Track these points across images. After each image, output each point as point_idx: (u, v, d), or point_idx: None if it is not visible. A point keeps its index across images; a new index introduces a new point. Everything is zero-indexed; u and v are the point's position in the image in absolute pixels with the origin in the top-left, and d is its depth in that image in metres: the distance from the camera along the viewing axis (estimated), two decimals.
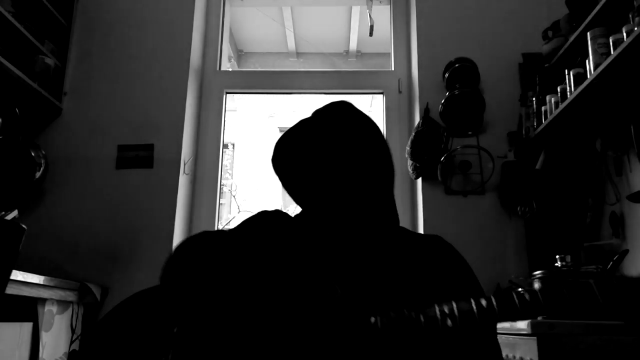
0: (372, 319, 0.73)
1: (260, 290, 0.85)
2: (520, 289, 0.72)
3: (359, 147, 0.92)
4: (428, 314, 0.71)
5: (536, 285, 1.76)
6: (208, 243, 0.97)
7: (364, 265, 0.88)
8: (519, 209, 2.26)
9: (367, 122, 0.97)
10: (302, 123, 0.99)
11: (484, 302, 0.71)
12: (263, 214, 1.00)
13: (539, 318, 1.41)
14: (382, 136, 0.99)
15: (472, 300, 0.71)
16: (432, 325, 0.70)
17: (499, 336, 1.48)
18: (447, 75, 2.38)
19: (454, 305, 0.71)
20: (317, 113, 1.01)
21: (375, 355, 0.74)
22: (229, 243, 0.95)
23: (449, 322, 0.70)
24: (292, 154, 0.96)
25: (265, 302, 0.83)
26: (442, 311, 0.71)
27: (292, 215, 1.01)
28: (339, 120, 0.95)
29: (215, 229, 2.56)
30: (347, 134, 0.93)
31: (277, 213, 1.00)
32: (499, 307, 0.70)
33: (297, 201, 1.00)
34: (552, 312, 0.69)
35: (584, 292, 0.68)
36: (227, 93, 2.77)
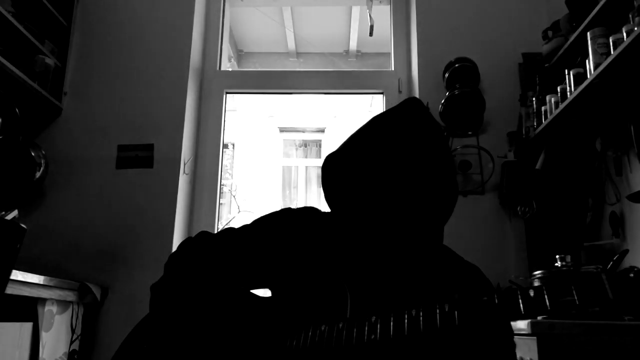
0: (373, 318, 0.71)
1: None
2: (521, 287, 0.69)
3: (427, 166, 0.85)
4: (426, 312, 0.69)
5: (536, 285, 1.76)
6: (212, 243, 0.96)
7: (386, 276, 0.85)
8: (519, 209, 2.26)
9: (438, 137, 0.89)
10: (371, 126, 0.91)
11: (485, 299, 0.68)
12: (288, 212, 0.97)
13: (539, 318, 1.41)
14: (450, 156, 0.91)
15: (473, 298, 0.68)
16: (430, 323, 0.68)
17: None
18: (447, 75, 2.38)
19: (455, 302, 0.68)
20: (387, 117, 0.91)
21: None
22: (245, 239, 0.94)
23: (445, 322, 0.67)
24: (352, 158, 0.89)
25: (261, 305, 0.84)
26: (442, 309, 0.68)
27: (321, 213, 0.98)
28: (408, 131, 0.87)
29: (215, 229, 2.56)
30: (417, 148, 0.85)
31: (306, 212, 0.97)
32: (501, 305, 0.66)
33: (337, 205, 0.94)
34: (558, 311, 0.64)
35: (594, 287, 0.63)
36: (227, 93, 2.77)
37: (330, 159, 0.94)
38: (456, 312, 0.67)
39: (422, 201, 0.85)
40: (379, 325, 0.70)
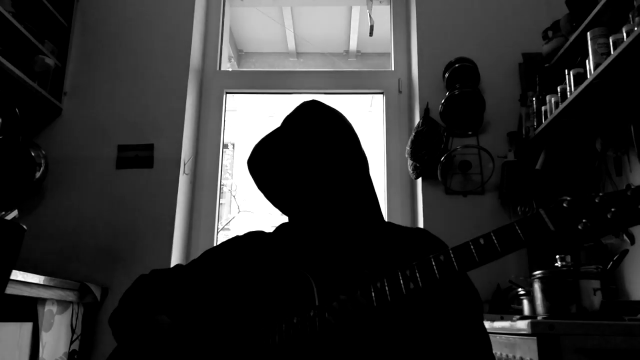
0: (342, 297, 0.74)
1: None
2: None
3: (323, 146, 0.93)
4: (390, 281, 0.72)
5: (536, 285, 1.76)
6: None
7: (341, 260, 0.89)
8: (519, 209, 2.25)
9: (331, 119, 0.98)
10: (274, 132, 1.02)
11: (442, 257, 0.72)
12: (235, 238, 1.05)
13: (539, 318, 1.41)
14: (350, 129, 0.99)
15: (432, 257, 0.72)
16: (396, 290, 0.71)
17: (498, 336, 1.48)
18: (447, 75, 2.38)
19: (415, 267, 0.72)
20: (287, 119, 1.02)
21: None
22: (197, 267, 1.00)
23: (412, 285, 0.71)
24: (265, 164, 0.99)
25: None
26: (404, 275, 0.72)
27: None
28: (303, 123, 0.97)
29: (215, 229, 2.56)
30: (310, 135, 0.94)
31: (252, 233, 1.05)
32: (456, 259, 0.71)
33: (278, 207, 1.03)
34: (508, 252, 0.69)
35: (536, 224, 0.68)
36: (227, 93, 2.77)
37: (257, 147, 1.03)
38: (418, 274, 0.71)
39: (328, 179, 0.92)
40: (348, 305, 0.72)
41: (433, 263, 0.71)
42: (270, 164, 0.98)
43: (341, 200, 0.93)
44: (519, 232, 0.69)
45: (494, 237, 0.70)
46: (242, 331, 0.82)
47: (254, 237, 1.03)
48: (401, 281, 0.72)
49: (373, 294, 0.72)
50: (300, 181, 0.92)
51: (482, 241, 0.71)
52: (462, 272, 0.71)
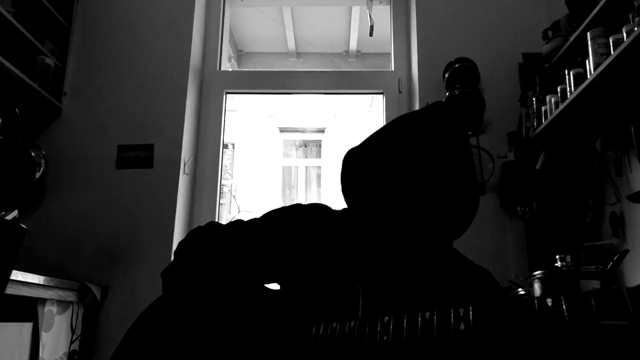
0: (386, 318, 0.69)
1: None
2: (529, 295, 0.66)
3: (451, 173, 0.84)
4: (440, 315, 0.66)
5: (536, 285, 1.76)
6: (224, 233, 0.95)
7: (402, 281, 0.84)
8: (519, 209, 2.25)
9: (465, 146, 0.88)
10: (394, 127, 0.90)
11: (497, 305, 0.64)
12: (298, 207, 0.96)
13: None
14: (473, 165, 0.90)
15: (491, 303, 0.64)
16: (445, 327, 0.64)
17: None
18: (447, 75, 2.38)
19: (471, 309, 0.64)
20: (418, 117, 0.91)
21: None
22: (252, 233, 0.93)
23: (462, 325, 0.63)
24: (376, 155, 0.88)
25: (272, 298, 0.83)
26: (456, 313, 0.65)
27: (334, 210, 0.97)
28: (435, 136, 0.86)
29: None
30: (443, 153, 0.85)
31: (315, 208, 0.96)
32: (517, 314, 0.62)
33: (353, 201, 0.92)
34: (577, 323, 0.59)
35: (614, 301, 0.57)
36: (227, 93, 2.77)
37: (352, 154, 0.93)
38: (471, 317, 0.63)
39: (441, 208, 0.84)
40: (391, 326, 0.68)
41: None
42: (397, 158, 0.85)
43: (442, 221, 0.85)
44: (593, 304, 0.58)
45: (563, 303, 0.59)
46: (276, 319, 0.79)
47: (319, 214, 0.93)
48: (452, 319, 0.65)
49: (419, 323, 0.66)
50: (411, 191, 0.83)
51: (550, 303, 0.60)
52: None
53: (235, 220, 0.97)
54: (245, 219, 0.98)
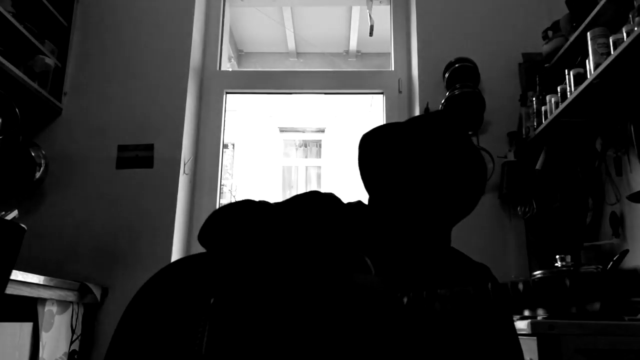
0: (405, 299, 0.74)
1: (293, 267, 0.84)
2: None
3: (465, 165, 0.91)
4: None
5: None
6: (253, 211, 0.94)
7: (409, 266, 0.88)
8: (519, 209, 2.26)
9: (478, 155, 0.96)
10: (417, 120, 0.98)
11: (520, 285, 0.71)
12: (315, 194, 0.99)
13: (539, 318, 1.41)
14: (485, 177, 0.98)
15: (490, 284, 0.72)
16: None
17: None
18: (447, 75, 2.38)
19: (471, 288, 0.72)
20: (437, 117, 0.99)
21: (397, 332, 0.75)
22: (272, 215, 0.93)
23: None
24: (396, 146, 0.94)
25: (297, 280, 0.83)
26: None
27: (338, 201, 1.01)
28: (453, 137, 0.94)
29: None
30: (458, 152, 0.92)
31: (330, 196, 1.00)
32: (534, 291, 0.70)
33: (372, 187, 0.98)
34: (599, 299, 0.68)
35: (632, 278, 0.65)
36: (227, 93, 2.77)
37: (370, 137, 0.98)
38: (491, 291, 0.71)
39: (445, 196, 0.90)
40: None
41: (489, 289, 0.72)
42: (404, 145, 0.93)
43: (449, 214, 0.93)
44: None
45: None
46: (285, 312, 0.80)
47: (335, 206, 0.98)
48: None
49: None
50: (429, 178, 0.90)
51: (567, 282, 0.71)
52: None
53: (261, 201, 0.96)
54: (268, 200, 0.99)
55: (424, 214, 0.91)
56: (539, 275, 1.76)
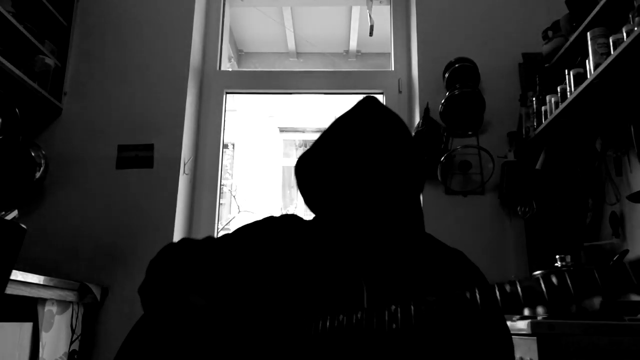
0: (392, 307, 0.73)
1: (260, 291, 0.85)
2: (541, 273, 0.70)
3: (387, 152, 0.90)
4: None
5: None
6: (197, 247, 0.95)
7: (382, 269, 0.87)
8: (519, 209, 2.26)
9: (395, 124, 0.95)
10: (333, 125, 0.97)
11: (507, 287, 0.70)
12: (270, 219, 0.99)
13: (539, 318, 1.41)
14: (411, 139, 0.96)
15: (496, 286, 0.71)
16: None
17: None
18: (447, 75, 2.38)
19: (476, 290, 0.71)
20: (348, 115, 0.98)
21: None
22: (225, 246, 0.94)
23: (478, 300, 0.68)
24: (319, 158, 0.93)
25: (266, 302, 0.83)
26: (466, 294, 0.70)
27: (305, 219, 1.00)
28: (366, 122, 0.93)
29: (215, 229, 2.56)
30: (375, 137, 0.91)
31: (288, 217, 0.99)
32: (524, 294, 0.68)
33: (315, 205, 0.97)
34: (582, 298, 0.65)
35: (618, 274, 0.63)
36: (227, 93, 2.77)
37: (301, 161, 0.98)
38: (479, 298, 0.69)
39: (387, 185, 0.88)
40: (399, 315, 0.70)
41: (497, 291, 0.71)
42: (330, 158, 0.92)
43: (390, 203, 0.90)
44: (597, 278, 0.65)
45: (568, 279, 0.66)
46: (280, 320, 0.79)
47: (293, 223, 0.97)
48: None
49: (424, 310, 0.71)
50: (354, 176, 0.88)
51: (554, 280, 0.67)
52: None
53: (208, 237, 0.98)
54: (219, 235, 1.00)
55: (373, 210, 0.89)
56: (539, 275, 1.76)
